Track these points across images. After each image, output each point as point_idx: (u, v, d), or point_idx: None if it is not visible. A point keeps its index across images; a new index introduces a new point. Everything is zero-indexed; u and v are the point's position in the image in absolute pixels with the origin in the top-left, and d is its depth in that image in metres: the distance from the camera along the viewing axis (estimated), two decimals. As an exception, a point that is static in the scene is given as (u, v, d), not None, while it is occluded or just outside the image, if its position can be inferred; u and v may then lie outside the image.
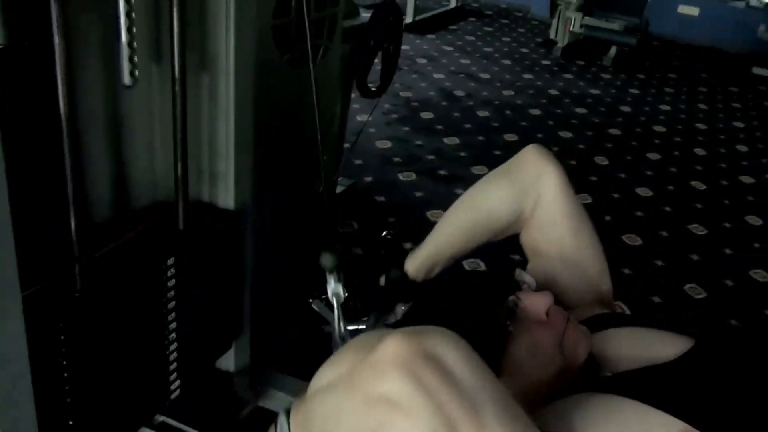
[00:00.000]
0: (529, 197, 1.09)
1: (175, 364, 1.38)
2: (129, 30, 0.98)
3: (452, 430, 0.58)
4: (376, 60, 2.44)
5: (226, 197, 1.43)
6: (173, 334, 1.34)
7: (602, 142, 4.09)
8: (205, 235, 1.38)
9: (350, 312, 2.15)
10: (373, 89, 2.62)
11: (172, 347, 1.36)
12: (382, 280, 1.21)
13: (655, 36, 6.85)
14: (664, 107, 5.00)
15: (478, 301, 0.87)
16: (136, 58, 1.01)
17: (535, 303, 0.86)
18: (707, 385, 0.79)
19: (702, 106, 5.15)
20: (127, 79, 1.03)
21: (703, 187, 3.56)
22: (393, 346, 0.59)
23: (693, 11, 7.60)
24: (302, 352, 1.98)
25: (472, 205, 1.17)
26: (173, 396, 1.41)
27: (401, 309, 1.02)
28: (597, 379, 0.87)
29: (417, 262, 1.19)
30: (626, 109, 4.83)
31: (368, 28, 2.36)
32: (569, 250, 1.09)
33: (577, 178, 3.46)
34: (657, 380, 0.81)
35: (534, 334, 0.85)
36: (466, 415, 0.59)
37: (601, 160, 3.78)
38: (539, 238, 1.12)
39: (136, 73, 1.03)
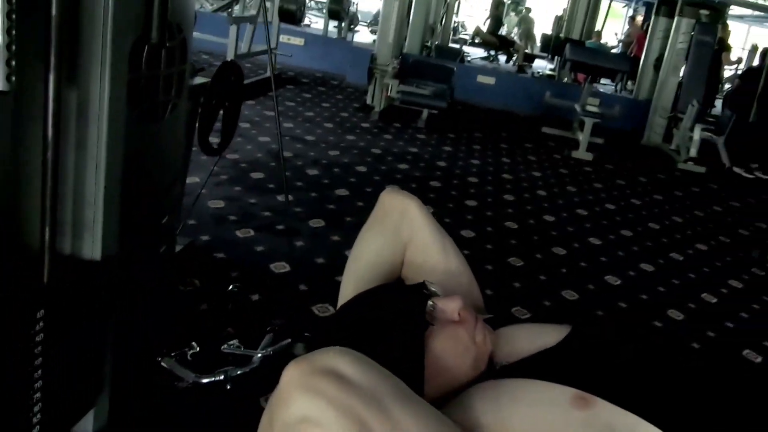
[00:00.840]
0: (403, 234, 1.25)
1: (37, 428, 1.31)
2: (8, 32, 0.96)
3: (364, 427, 0.66)
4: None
5: (93, 249, 1.39)
6: (38, 394, 1.28)
7: (426, 192, 4.42)
8: (70, 290, 1.35)
9: (204, 364, 2.14)
10: (214, 147, 2.68)
11: (36, 408, 1.29)
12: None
13: (460, 102, 7.57)
14: (475, 161, 5.53)
15: (402, 308, 0.98)
16: (13, 63, 0.99)
17: (449, 305, 0.98)
18: (587, 358, 0.95)
19: (505, 159, 5.78)
20: (2, 84, 0.99)
21: (515, 226, 3.99)
22: (290, 373, 0.68)
23: (490, 80, 8.58)
24: (157, 411, 1.94)
25: (357, 265, 1.29)
26: (33, 464, 1.33)
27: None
28: (496, 370, 1.00)
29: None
30: (442, 164, 5.27)
31: (210, 87, 2.42)
32: (443, 266, 1.25)
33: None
34: (547, 361, 0.95)
35: (452, 330, 0.97)
36: (372, 411, 0.67)
37: (428, 209, 4.08)
38: (417, 262, 1.27)
39: (13, 78, 1.00)
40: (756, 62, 9.88)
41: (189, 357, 2.17)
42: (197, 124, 2.47)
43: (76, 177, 1.30)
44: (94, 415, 1.56)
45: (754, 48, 10.69)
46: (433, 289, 1.05)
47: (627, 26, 14.28)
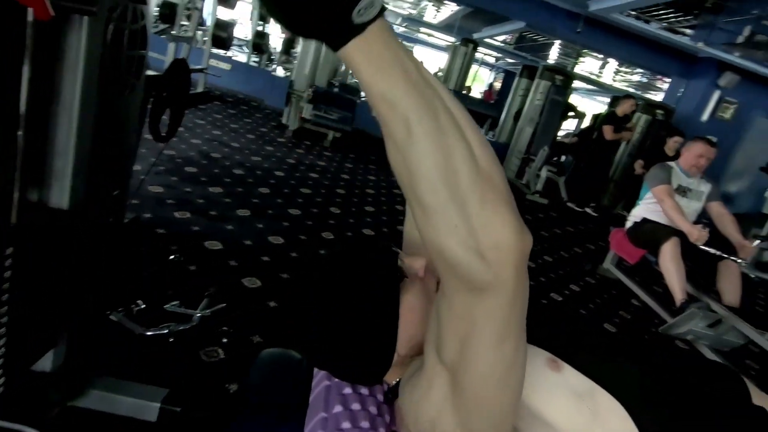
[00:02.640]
0: None
1: (1, 360, 1.17)
2: None
3: (519, 322, 0.58)
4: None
5: (61, 197, 1.28)
6: (3, 329, 1.15)
7: (333, 197, 4.43)
8: (38, 233, 1.22)
9: (148, 320, 2.01)
10: (162, 134, 2.53)
11: (1, 342, 1.16)
12: None
13: (359, 130, 7.63)
14: (372, 177, 5.60)
15: (381, 260, 0.87)
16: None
17: (416, 261, 0.90)
18: (550, 329, 0.87)
19: (395, 179, 5.84)
20: None
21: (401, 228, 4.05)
22: (523, 239, 0.54)
23: (384, 114, 8.69)
24: (107, 357, 1.79)
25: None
26: (-5, 394, 1.19)
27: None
28: None
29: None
30: (346, 176, 5.30)
31: (163, 79, 2.29)
32: None
33: (320, 221, 3.69)
34: None
35: (421, 284, 0.89)
36: (521, 319, 0.59)
37: (335, 210, 4.09)
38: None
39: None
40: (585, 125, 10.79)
41: (135, 313, 2.03)
42: (149, 111, 2.33)
43: (49, 128, 1.19)
44: (53, 355, 1.41)
45: (583, 114, 11.64)
46: (397, 250, 1.02)
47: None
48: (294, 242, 3.17)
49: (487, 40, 12.38)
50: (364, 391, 0.90)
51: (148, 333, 1.95)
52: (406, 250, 1.03)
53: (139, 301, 2.07)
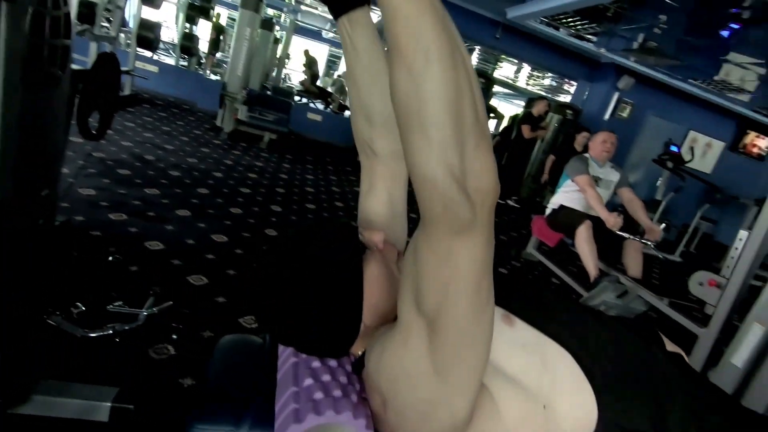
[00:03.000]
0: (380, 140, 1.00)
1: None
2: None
3: (484, 265, 0.58)
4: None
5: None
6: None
7: (273, 196, 4.33)
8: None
9: (91, 322, 1.88)
10: (93, 132, 2.35)
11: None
12: None
13: (294, 132, 7.51)
14: (310, 176, 5.51)
15: (341, 233, 0.85)
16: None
17: (375, 235, 0.89)
18: (507, 295, 0.87)
19: (332, 177, 5.84)
20: None
21: (347, 225, 4.03)
22: (498, 190, 0.56)
23: (317, 118, 8.63)
24: (49, 362, 1.66)
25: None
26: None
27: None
28: None
29: None
30: (284, 176, 5.19)
31: (91, 73, 2.13)
32: (389, 208, 1.03)
33: (262, 218, 3.59)
34: None
35: (380, 257, 0.87)
36: (491, 264, 0.60)
37: (276, 208, 3.99)
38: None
39: None
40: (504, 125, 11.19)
41: (75, 315, 1.89)
42: (76, 108, 2.16)
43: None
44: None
45: (502, 116, 12.05)
46: (356, 225, 0.99)
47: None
48: (238, 239, 3.06)
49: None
50: (333, 363, 0.88)
51: (92, 335, 1.81)
52: (361, 227, 1.01)
53: (78, 303, 1.92)
